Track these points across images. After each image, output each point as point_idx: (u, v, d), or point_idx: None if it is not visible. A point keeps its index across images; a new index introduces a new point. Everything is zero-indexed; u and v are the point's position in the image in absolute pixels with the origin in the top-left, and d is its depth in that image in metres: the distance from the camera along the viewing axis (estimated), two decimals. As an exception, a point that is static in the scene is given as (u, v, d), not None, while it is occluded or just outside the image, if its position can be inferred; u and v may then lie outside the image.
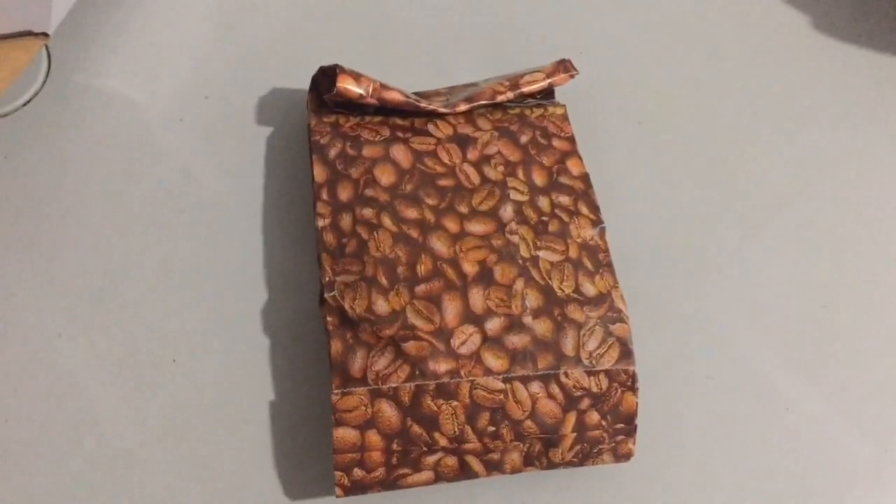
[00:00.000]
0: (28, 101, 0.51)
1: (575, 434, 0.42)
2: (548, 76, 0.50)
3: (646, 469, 0.46)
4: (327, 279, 0.43)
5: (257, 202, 0.50)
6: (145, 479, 0.43)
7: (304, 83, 0.54)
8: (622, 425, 0.43)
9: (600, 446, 0.43)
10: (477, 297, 0.43)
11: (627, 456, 0.43)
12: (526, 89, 0.50)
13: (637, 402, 0.43)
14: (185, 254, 0.49)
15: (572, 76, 0.51)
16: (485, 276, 0.43)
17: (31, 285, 0.47)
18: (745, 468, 0.46)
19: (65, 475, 0.43)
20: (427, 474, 0.41)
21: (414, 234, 0.44)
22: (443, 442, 0.41)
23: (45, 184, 0.49)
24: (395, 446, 0.41)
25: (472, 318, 0.42)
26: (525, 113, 0.50)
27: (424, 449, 0.41)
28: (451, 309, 0.42)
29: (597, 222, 0.46)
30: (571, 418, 0.42)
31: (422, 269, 0.43)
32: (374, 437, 0.41)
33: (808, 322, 0.50)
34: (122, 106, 0.52)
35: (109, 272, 0.48)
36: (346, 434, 0.41)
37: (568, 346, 0.42)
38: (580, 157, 0.48)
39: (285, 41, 0.55)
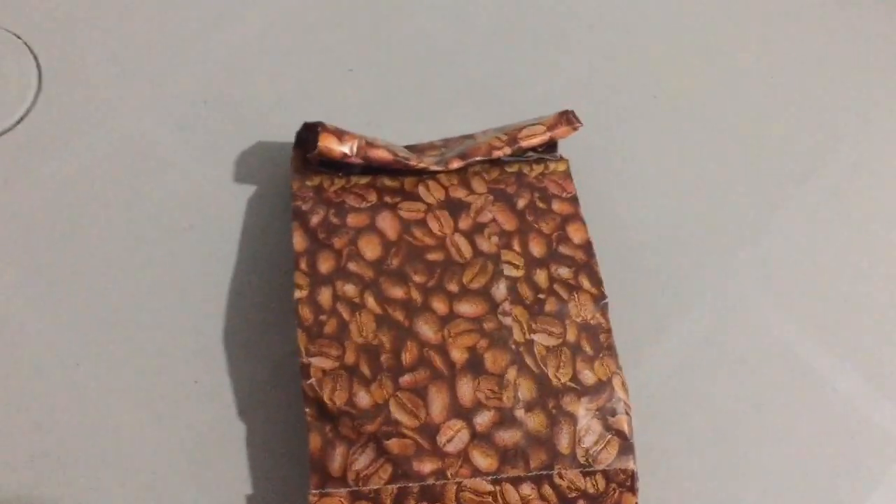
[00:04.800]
0: (21, 119, 0.49)
1: (569, 537, 0.39)
2: (549, 129, 0.47)
3: (680, 460, 0.44)
4: (303, 361, 0.40)
5: (264, 211, 0.48)
6: (170, 502, 0.42)
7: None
8: (621, 526, 0.40)
9: (597, 547, 0.40)
10: (466, 389, 0.40)
11: (627, 556, 0.40)
12: (525, 143, 0.46)
13: (637, 503, 0.40)
14: (197, 271, 0.46)
15: (575, 129, 0.47)
16: (474, 365, 0.40)
17: (42, 314, 0.45)
18: (784, 451, 0.45)
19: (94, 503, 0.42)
20: (411, 580, 0.39)
21: (399, 316, 0.41)
22: (427, 547, 0.38)
23: (48, 206, 0.47)
24: (376, 552, 0.38)
25: (460, 412, 0.39)
26: (524, 171, 0.46)
27: (407, 555, 0.38)
28: (437, 402, 0.39)
29: (599, 297, 0.43)
30: (566, 520, 0.39)
31: (407, 356, 0.40)
32: (353, 543, 0.38)
33: (843, 298, 0.48)
34: (119, 117, 0.50)
35: (121, 293, 0.46)
36: (324, 539, 0.38)
37: (563, 443, 0.39)
38: (583, 222, 0.45)
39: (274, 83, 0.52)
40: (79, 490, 0.42)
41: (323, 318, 0.41)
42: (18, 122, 0.49)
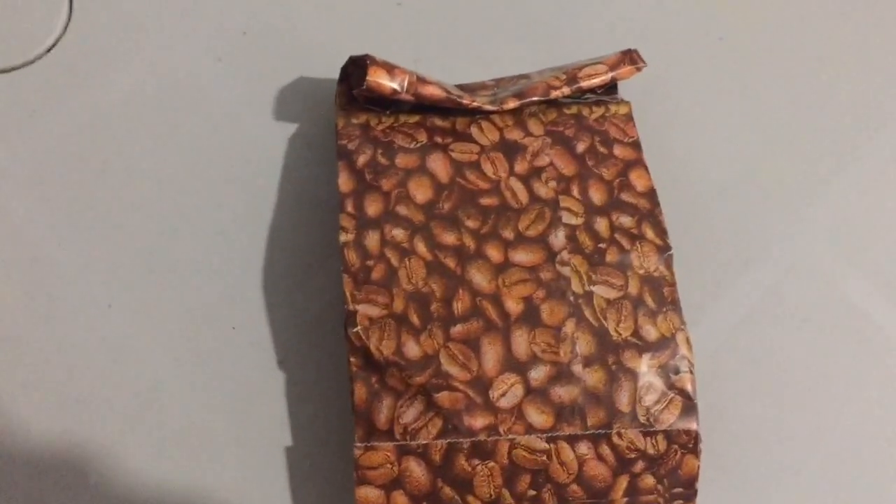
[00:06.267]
0: (51, 48, 0.46)
1: (626, 499, 0.37)
2: (611, 68, 0.43)
3: (741, 423, 0.42)
4: (349, 308, 0.38)
5: (307, 151, 0.46)
6: (214, 453, 0.40)
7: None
8: (681, 489, 0.38)
9: (655, 511, 0.38)
10: (520, 341, 0.37)
11: (685, 520, 0.38)
12: (585, 84, 0.43)
13: (699, 466, 0.37)
14: (237, 213, 0.44)
15: (639, 69, 0.44)
16: (530, 316, 0.38)
17: (73, 253, 0.43)
18: (850, 414, 0.42)
19: (130, 451, 0.40)
20: (459, 539, 0.37)
21: (451, 263, 0.39)
22: (477, 506, 0.36)
23: (78, 140, 0.45)
24: (423, 509, 0.36)
25: (515, 366, 0.37)
26: (583, 113, 0.43)
27: (456, 513, 0.37)
28: (490, 354, 0.37)
29: (663, 248, 0.40)
30: (623, 482, 0.37)
31: (459, 306, 0.38)
32: (400, 499, 0.36)
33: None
34: (153, 48, 0.47)
35: (158, 234, 0.43)
36: (369, 494, 0.36)
37: (623, 401, 0.37)
38: (646, 168, 0.42)
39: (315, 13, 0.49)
40: (111, 437, 0.40)
41: (370, 263, 0.39)
42: (47, 51, 0.46)
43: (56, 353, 0.41)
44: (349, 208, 0.40)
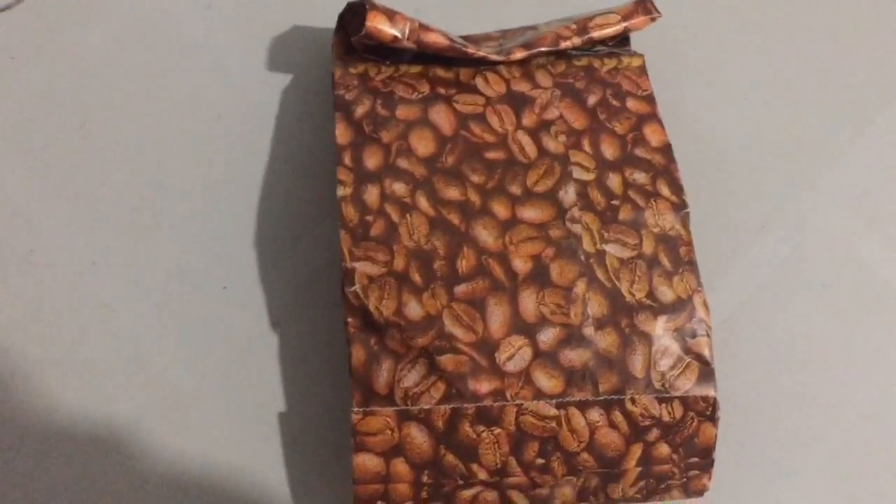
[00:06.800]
0: None
1: (640, 469, 0.35)
2: (624, 18, 0.41)
3: (758, 389, 0.41)
4: (347, 266, 0.36)
5: (301, 103, 0.43)
6: (204, 419, 0.38)
7: None
8: (697, 459, 0.36)
9: (669, 482, 0.36)
10: (528, 302, 0.35)
11: (700, 492, 0.37)
12: (596, 34, 0.41)
13: (716, 434, 0.35)
14: (228, 168, 0.42)
15: (653, 19, 0.41)
16: (539, 276, 0.36)
17: (54, 207, 0.40)
18: (869, 381, 0.41)
19: (115, 415, 0.38)
20: (462, 510, 0.35)
21: (455, 219, 0.36)
22: (482, 475, 0.34)
23: (61, 88, 0.42)
24: (425, 478, 0.34)
25: (522, 328, 0.35)
26: (594, 65, 0.41)
27: (460, 482, 0.34)
28: (496, 315, 0.35)
29: (679, 206, 0.38)
30: (636, 451, 0.35)
31: (463, 264, 0.36)
32: (401, 467, 0.34)
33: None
34: None
35: (142, 189, 0.41)
36: (368, 461, 0.34)
37: (636, 366, 0.35)
38: (661, 123, 0.40)
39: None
40: (93, 402, 0.38)
41: (369, 218, 0.36)
42: (27, -5, 0.43)
43: (35, 313, 0.39)
44: (347, 161, 0.38)
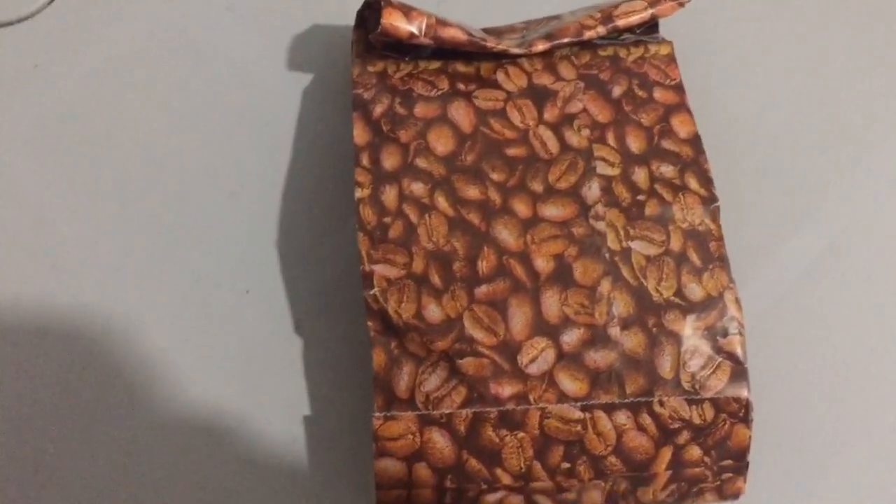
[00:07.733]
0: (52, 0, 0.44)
1: (670, 472, 0.34)
2: (650, 4, 0.40)
3: (796, 390, 0.39)
4: (365, 269, 0.35)
5: (323, 103, 0.43)
6: (226, 423, 0.38)
7: None
8: (730, 462, 0.34)
9: (702, 485, 0.35)
10: (551, 303, 0.34)
11: (736, 495, 0.35)
12: (621, 22, 0.39)
13: (750, 436, 0.34)
14: (250, 171, 0.42)
15: (681, 5, 0.40)
16: (562, 276, 0.35)
17: (80, 214, 0.41)
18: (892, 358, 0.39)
19: (139, 423, 0.38)
20: (487, 515, 0.34)
21: (475, 219, 0.36)
22: (506, 480, 0.34)
23: (84, 94, 0.43)
24: (448, 483, 0.34)
25: (545, 329, 0.34)
26: (620, 55, 0.40)
27: (484, 487, 0.34)
28: (518, 317, 0.34)
29: (709, 200, 0.36)
30: (666, 454, 0.34)
31: (483, 265, 0.35)
32: (423, 472, 0.34)
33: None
34: None
35: (167, 194, 0.41)
36: (390, 466, 0.34)
37: (665, 367, 0.34)
38: (690, 112, 0.38)
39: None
40: (117, 407, 0.38)
41: (387, 220, 0.36)
42: (49, 2, 0.44)
43: (60, 320, 0.39)
44: (364, 162, 0.37)
